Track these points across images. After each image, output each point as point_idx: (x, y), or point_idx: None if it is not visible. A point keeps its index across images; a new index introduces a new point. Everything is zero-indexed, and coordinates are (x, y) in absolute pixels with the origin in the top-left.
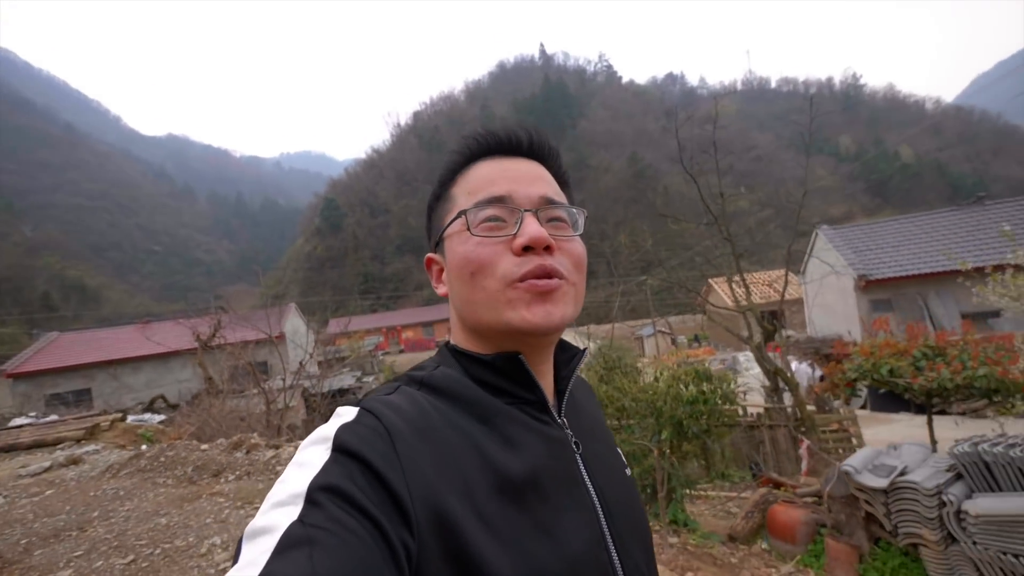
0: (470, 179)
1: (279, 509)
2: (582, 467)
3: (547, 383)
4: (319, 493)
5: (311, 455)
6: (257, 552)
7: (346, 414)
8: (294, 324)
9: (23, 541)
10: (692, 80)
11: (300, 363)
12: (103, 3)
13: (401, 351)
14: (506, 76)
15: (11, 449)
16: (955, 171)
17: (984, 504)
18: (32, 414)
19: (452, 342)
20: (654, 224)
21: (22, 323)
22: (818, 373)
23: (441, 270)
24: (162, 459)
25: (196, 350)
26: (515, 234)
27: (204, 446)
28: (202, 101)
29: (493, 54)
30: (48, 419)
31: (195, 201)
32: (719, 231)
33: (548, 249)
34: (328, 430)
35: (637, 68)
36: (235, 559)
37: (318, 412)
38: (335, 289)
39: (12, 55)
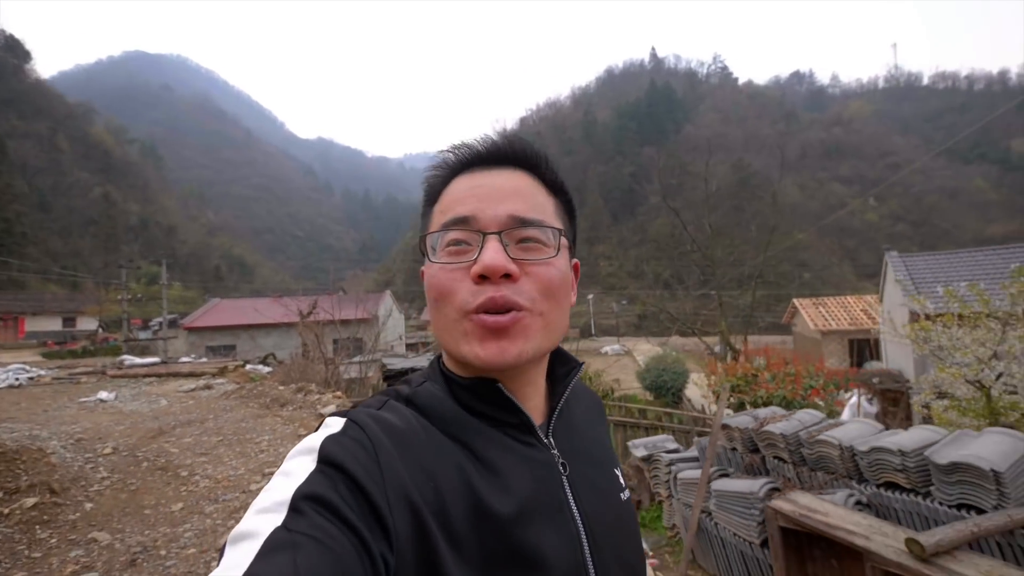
0: (445, 197)
1: (263, 515)
2: (568, 490)
3: (535, 402)
4: (303, 502)
5: (297, 465)
6: (240, 555)
7: (334, 425)
8: (387, 308)
9: (172, 423)
10: (823, 78)
11: (327, 343)
12: (278, 25)
13: None
14: (613, 82)
15: (177, 375)
16: None
17: (684, 473)
18: (192, 355)
19: (443, 359)
20: (759, 235)
21: (199, 289)
22: (874, 408)
23: None
24: (254, 392)
25: (301, 322)
26: (475, 260)
27: (281, 387)
28: (347, 107)
29: (603, 59)
30: (200, 360)
31: (332, 195)
32: (706, 263)
33: (509, 277)
34: (314, 441)
35: (759, 68)
36: (219, 562)
37: (391, 383)
38: None
39: (214, 74)
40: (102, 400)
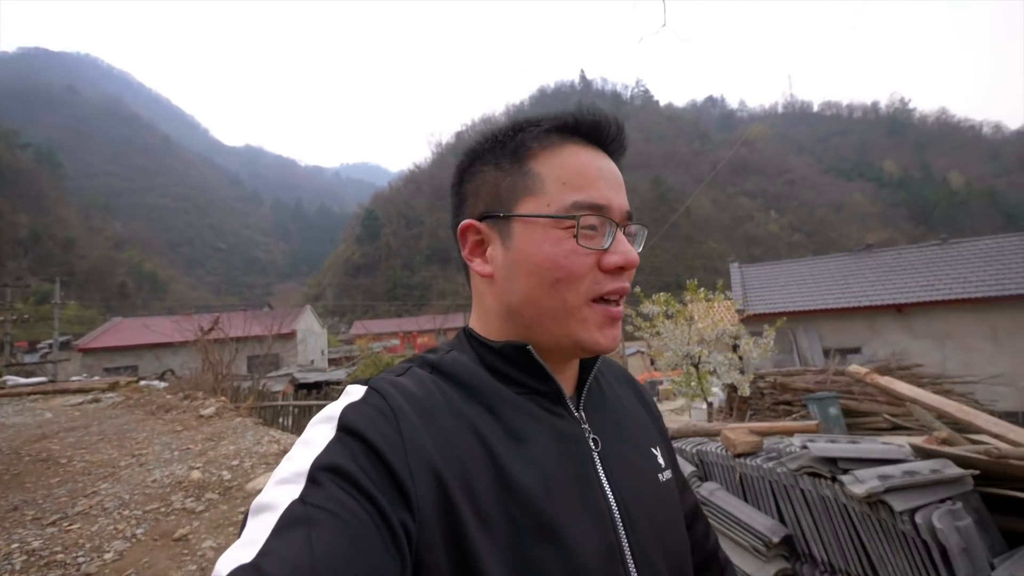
0: (563, 164)
1: (282, 487)
2: (599, 467)
3: (568, 373)
4: (321, 472)
5: (316, 433)
6: (258, 529)
7: (354, 392)
8: (308, 323)
9: (57, 430)
10: (732, 103)
11: (242, 359)
12: (205, 27)
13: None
14: (546, 100)
15: (64, 391)
16: (1012, 200)
17: None
18: (85, 376)
19: (470, 326)
20: (677, 245)
21: (101, 308)
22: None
23: (482, 244)
24: (142, 401)
25: (205, 340)
26: (606, 249)
27: (169, 396)
28: (278, 114)
29: (535, 79)
30: (91, 378)
31: (260, 205)
32: None
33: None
34: (335, 409)
35: (678, 92)
36: (240, 531)
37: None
38: (366, 294)
39: (128, 76)
40: None
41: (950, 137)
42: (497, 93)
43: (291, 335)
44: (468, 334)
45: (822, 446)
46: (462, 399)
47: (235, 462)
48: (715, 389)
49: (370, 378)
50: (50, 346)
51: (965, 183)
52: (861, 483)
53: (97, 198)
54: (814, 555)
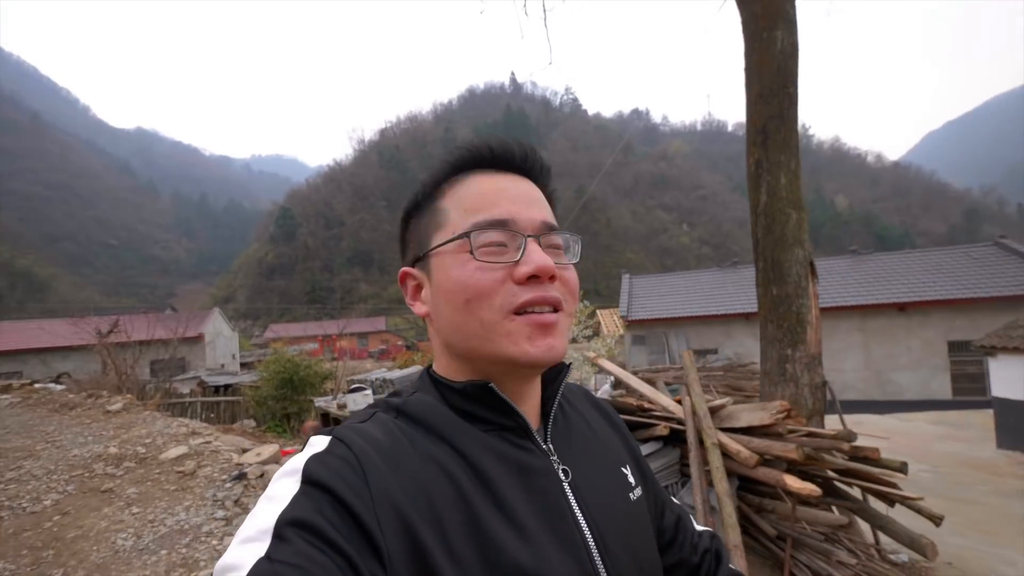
0: (464, 194)
1: (247, 545)
2: (571, 497)
3: (531, 405)
4: (287, 528)
5: (280, 488)
6: None
7: (318, 443)
8: (217, 326)
9: None
10: (656, 117)
11: (145, 362)
12: None
13: (334, 359)
14: (474, 101)
15: None
16: (884, 223)
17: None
18: None
19: (433, 368)
20: (597, 254)
21: None
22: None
23: (419, 287)
24: (42, 400)
25: (106, 343)
26: (518, 261)
27: (71, 395)
28: (177, 97)
29: (465, 79)
30: None
31: (158, 197)
32: None
33: (551, 278)
34: (298, 461)
35: (607, 102)
36: None
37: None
38: (282, 296)
39: None
40: None
41: (841, 163)
42: (425, 90)
43: (199, 338)
44: (431, 375)
45: None
46: (429, 441)
47: (148, 440)
48: (607, 386)
49: (333, 428)
50: None
51: (848, 206)
52: None
53: None
54: None
